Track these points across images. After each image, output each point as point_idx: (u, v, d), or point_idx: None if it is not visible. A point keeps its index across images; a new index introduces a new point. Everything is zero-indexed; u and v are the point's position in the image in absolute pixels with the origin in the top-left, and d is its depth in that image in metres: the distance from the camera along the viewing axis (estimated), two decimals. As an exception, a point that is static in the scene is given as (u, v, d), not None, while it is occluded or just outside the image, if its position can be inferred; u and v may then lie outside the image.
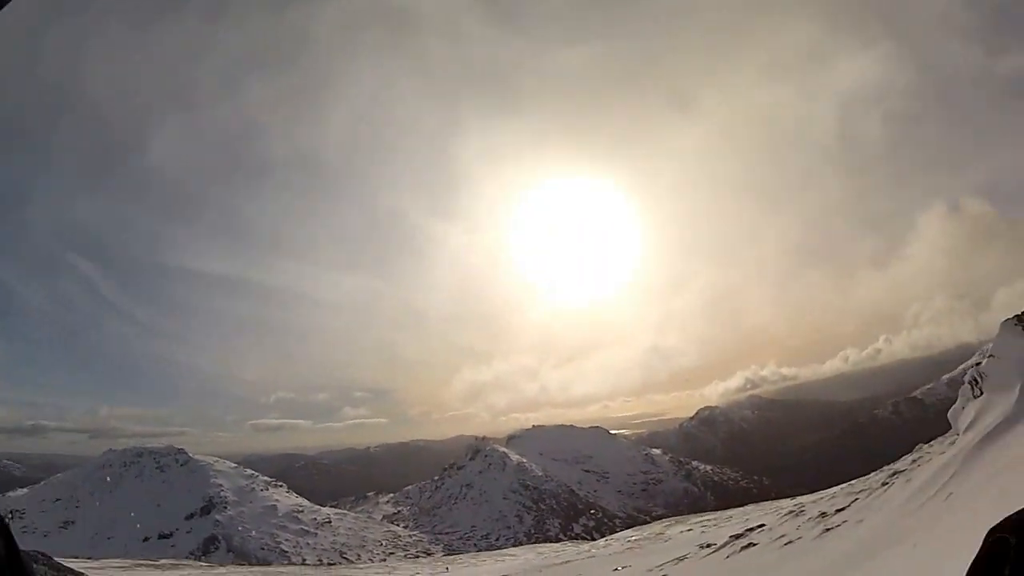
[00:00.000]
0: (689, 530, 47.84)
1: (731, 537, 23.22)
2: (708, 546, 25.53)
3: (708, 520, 52.52)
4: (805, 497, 44.06)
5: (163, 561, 71.86)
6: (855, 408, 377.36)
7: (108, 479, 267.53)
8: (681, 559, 24.22)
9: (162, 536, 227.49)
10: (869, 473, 28.99)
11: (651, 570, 24.12)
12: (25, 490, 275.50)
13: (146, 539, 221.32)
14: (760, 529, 22.51)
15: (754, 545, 19.05)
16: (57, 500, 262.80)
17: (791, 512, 22.85)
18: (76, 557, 73.70)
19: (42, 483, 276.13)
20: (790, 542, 16.78)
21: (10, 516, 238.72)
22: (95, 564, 59.88)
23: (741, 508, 56.79)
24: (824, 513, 18.05)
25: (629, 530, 74.60)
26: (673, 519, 68.85)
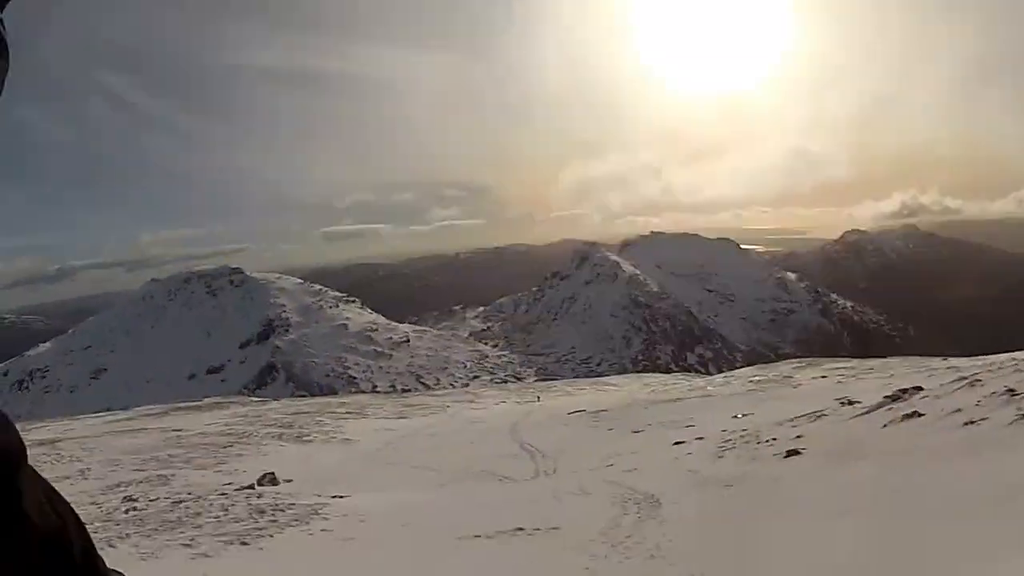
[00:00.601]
0: (823, 377, 46.43)
1: (885, 398, 21.20)
2: (851, 403, 23.80)
3: (845, 368, 51.00)
4: (963, 360, 42.57)
5: (207, 400, 73.81)
6: None
7: (148, 313, 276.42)
8: (819, 415, 22.50)
9: (211, 371, 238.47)
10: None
11: (781, 424, 22.54)
12: (48, 344, 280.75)
13: (192, 376, 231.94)
14: (921, 394, 20.34)
15: (919, 416, 16.96)
16: (87, 348, 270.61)
17: (961, 379, 20.51)
18: (100, 411, 76.21)
19: (69, 332, 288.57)
20: (971, 422, 14.58)
21: (28, 378, 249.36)
22: (113, 416, 61.71)
23: (883, 360, 55.01)
24: (1014, 391, 15.67)
25: (750, 368, 73.92)
26: (803, 360, 67.61)
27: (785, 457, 16.96)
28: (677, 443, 24.47)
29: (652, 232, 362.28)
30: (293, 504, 17.86)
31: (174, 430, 41.53)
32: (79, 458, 32.69)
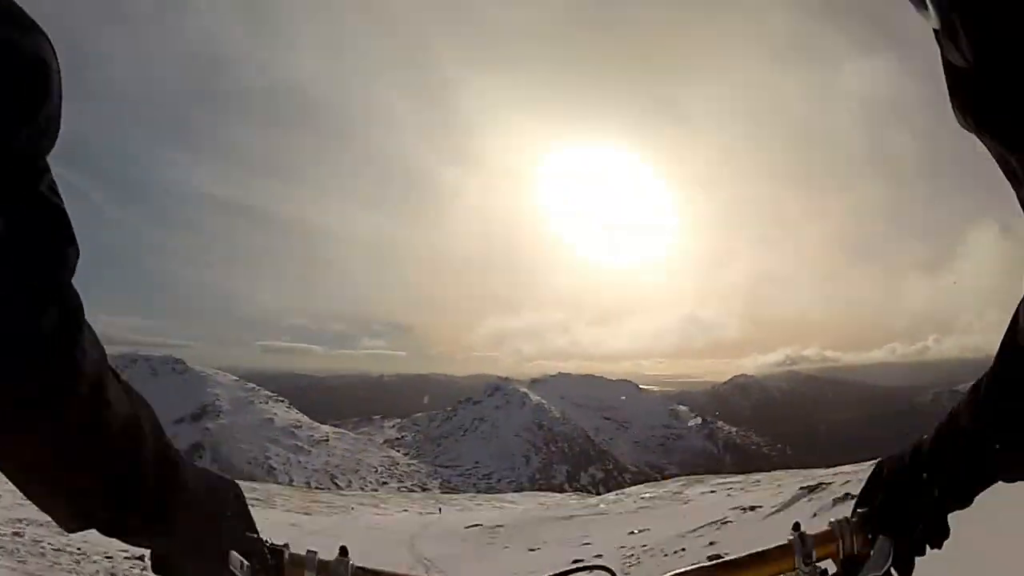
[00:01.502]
0: (712, 491, 43.76)
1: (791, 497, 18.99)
2: (752, 509, 21.41)
3: (732, 483, 48.29)
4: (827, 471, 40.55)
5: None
6: (895, 394, 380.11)
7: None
8: (723, 523, 19.93)
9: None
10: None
11: (683, 535, 19.92)
12: None
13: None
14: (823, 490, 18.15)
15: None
16: None
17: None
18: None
19: None
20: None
21: None
22: None
23: (768, 473, 52.94)
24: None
25: (640, 485, 71.07)
26: (688, 478, 65.12)
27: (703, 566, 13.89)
28: (575, 561, 21.56)
29: (559, 372, 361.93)
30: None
31: None
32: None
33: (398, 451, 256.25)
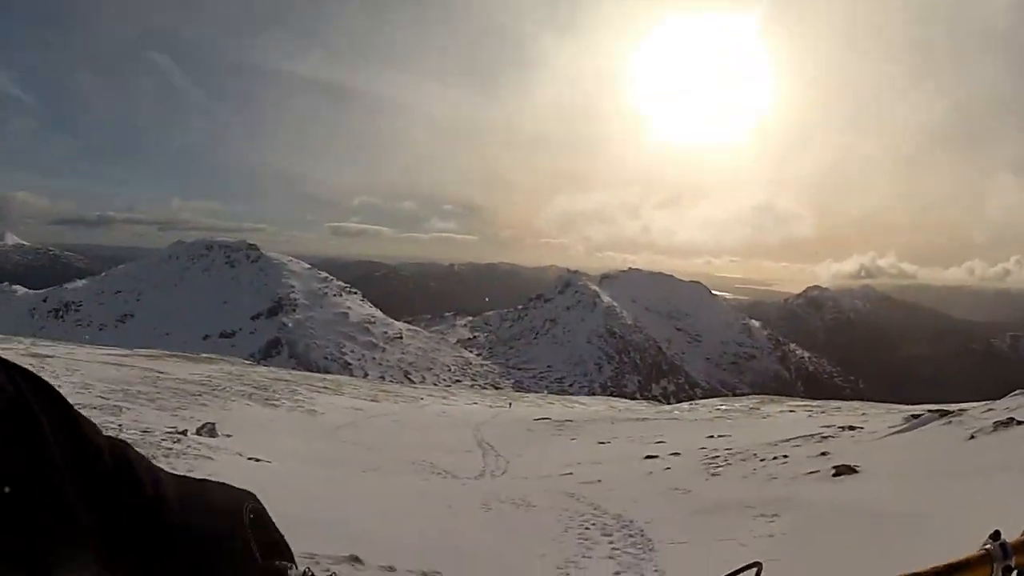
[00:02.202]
0: (790, 411, 42.67)
1: (913, 418, 17.76)
2: (853, 429, 20.41)
3: (812, 406, 46.69)
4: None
5: (203, 354, 71.03)
6: (972, 330, 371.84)
7: (173, 271, 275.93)
8: (824, 437, 18.91)
9: (224, 335, 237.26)
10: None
11: (775, 444, 18.91)
12: (84, 281, 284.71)
13: (206, 336, 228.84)
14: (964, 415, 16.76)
15: (1019, 423, 13.50)
16: (117, 292, 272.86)
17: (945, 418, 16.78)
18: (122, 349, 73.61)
19: (103, 275, 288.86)
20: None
21: (64, 309, 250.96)
22: (112, 350, 59.07)
23: (846, 402, 51.30)
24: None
25: (714, 399, 69.72)
26: (764, 397, 63.66)
27: (835, 476, 12.42)
28: (649, 457, 20.74)
29: (630, 268, 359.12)
30: (201, 455, 14.83)
31: (158, 372, 38.68)
32: (57, 375, 30.10)
33: (471, 351, 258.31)
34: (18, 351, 42.41)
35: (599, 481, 16.20)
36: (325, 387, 50.45)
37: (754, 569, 1.21)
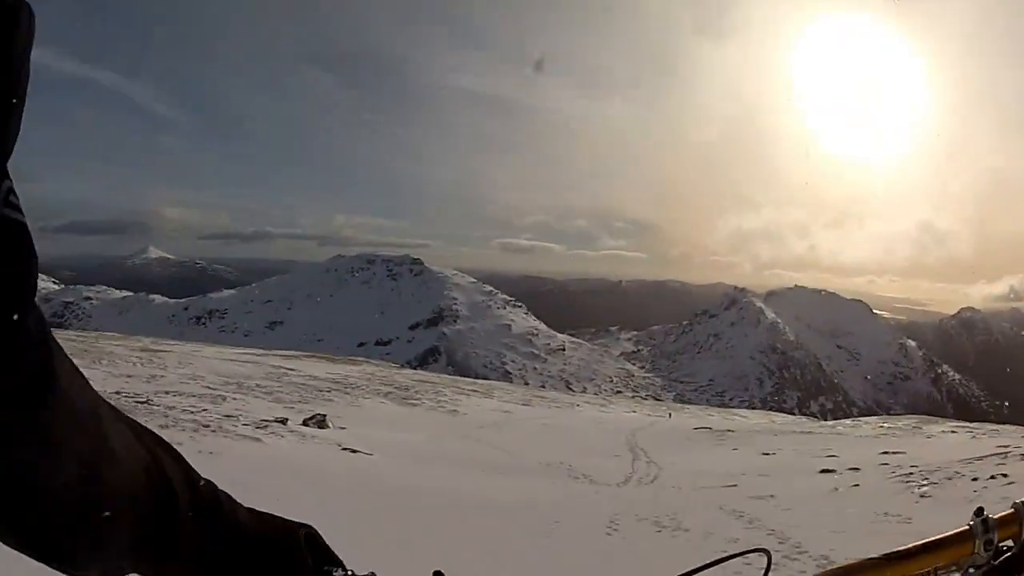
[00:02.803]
0: (952, 432, 38.08)
1: None
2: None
3: (972, 428, 41.66)
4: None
5: (348, 356, 70.01)
6: None
7: (330, 282, 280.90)
8: (1001, 456, 15.07)
9: (379, 343, 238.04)
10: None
11: (968, 462, 15.04)
12: (232, 291, 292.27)
13: (361, 344, 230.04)
14: None
15: None
16: (268, 302, 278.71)
17: None
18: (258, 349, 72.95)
19: (252, 285, 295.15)
20: None
21: (207, 316, 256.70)
22: (247, 350, 58.26)
23: (1001, 426, 46.02)
24: None
25: (874, 417, 65.48)
26: (922, 417, 58.94)
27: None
28: (826, 471, 16.99)
29: (796, 285, 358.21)
30: (289, 441, 12.28)
31: (288, 369, 37.11)
32: (164, 365, 29.10)
33: (633, 364, 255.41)
34: (131, 346, 40.43)
35: (771, 497, 12.63)
36: (474, 390, 48.10)
37: (765, 559, 1.17)
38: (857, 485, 14.07)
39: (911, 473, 14.78)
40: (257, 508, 0.98)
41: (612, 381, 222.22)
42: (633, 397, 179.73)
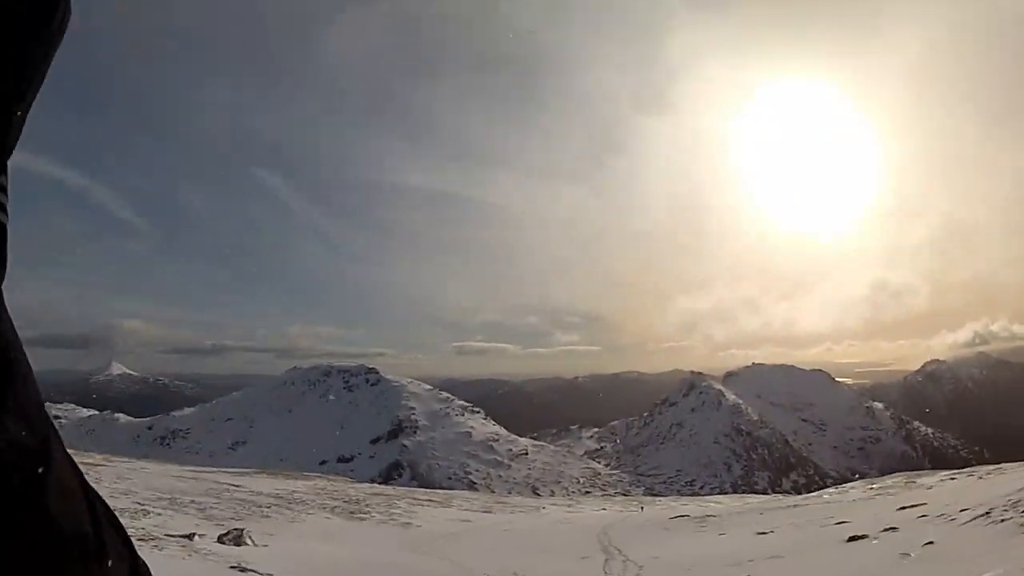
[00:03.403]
0: (951, 479, 35.80)
1: None
2: None
3: (973, 471, 39.40)
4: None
5: (307, 472, 66.98)
6: None
7: (288, 396, 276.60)
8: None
9: (341, 460, 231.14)
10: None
11: (975, 506, 12.87)
12: (193, 408, 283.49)
13: (323, 462, 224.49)
14: None
15: None
16: (228, 420, 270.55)
17: None
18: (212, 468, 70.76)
19: (213, 402, 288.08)
20: None
21: (171, 436, 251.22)
22: (197, 469, 55.28)
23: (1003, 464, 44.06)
24: None
25: (859, 482, 63.50)
26: (906, 474, 57.02)
27: None
28: (856, 538, 14.41)
29: (753, 363, 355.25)
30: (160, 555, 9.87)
31: (232, 485, 34.38)
32: (98, 479, 26.39)
33: (598, 461, 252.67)
34: (80, 459, 37.84)
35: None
36: (431, 500, 45.24)
37: None
38: (931, 543, 11.63)
39: (987, 513, 12.48)
40: None
41: (579, 482, 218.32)
42: (602, 495, 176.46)
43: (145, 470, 37.43)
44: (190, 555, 11.31)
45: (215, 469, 53.78)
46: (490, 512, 41.94)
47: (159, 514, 18.99)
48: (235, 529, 15.94)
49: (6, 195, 0.83)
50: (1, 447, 0.74)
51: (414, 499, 43.76)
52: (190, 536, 13.58)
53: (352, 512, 30.87)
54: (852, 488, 46.18)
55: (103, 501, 0.98)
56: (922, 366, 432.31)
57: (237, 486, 34.29)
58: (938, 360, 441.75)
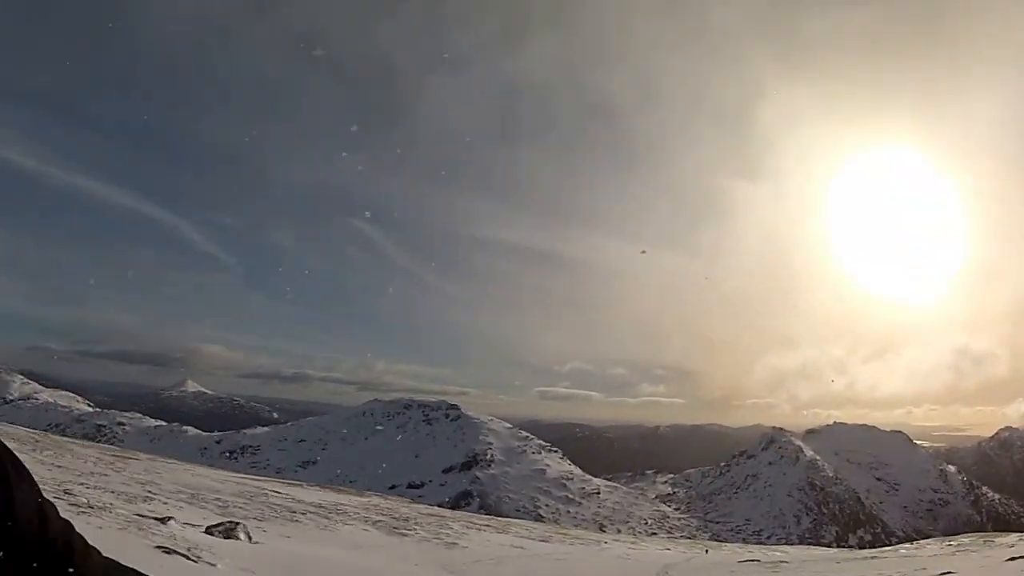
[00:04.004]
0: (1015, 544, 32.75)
1: None
2: None
3: None
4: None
5: (368, 491, 65.17)
6: None
7: (366, 425, 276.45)
8: None
9: (412, 486, 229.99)
10: None
11: None
12: (265, 428, 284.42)
13: (392, 487, 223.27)
14: None
15: None
16: (301, 441, 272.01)
17: None
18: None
19: (288, 423, 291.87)
20: None
21: (240, 452, 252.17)
22: (263, 477, 53.75)
23: None
24: None
25: (931, 540, 59.76)
26: (983, 535, 53.38)
27: None
28: None
29: (835, 422, 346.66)
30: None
31: (274, 492, 32.72)
32: (122, 468, 26.26)
33: (669, 505, 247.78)
34: (103, 451, 36.10)
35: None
36: (487, 525, 42.95)
37: None
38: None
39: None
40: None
41: (647, 523, 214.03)
42: (668, 537, 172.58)
43: (188, 471, 35.75)
44: (124, 529, 9.39)
45: (265, 478, 52.08)
46: (547, 541, 39.57)
47: (164, 502, 17.22)
48: (230, 522, 14.05)
49: None
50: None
51: (470, 523, 41.65)
52: (164, 520, 11.60)
53: (395, 527, 28.81)
54: (928, 544, 43.00)
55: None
56: (996, 432, 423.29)
57: (278, 492, 32.55)
58: (1011, 427, 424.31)
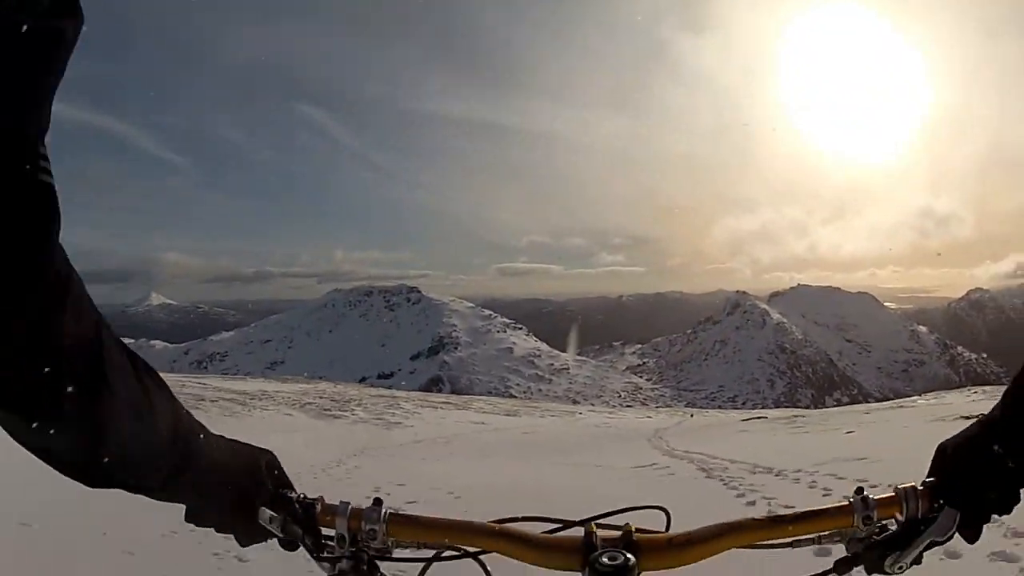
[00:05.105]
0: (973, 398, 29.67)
1: None
2: None
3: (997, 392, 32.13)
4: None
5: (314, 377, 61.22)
6: None
7: (328, 318, 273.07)
8: None
9: (382, 376, 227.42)
10: None
11: None
12: (231, 333, 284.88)
13: (362, 379, 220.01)
14: None
15: None
16: (267, 342, 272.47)
17: None
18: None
19: (251, 326, 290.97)
20: None
21: (208, 360, 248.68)
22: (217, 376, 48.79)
23: None
24: None
25: (918, 397, 57.08)
26: (976, 388, 50.47)
27: None
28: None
29: (799, 284, 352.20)
30: None
31: (214, 387, 28.34)
32: None
33: (640, 376, 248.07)
34: None
35: None
36: (445, 403, 38.89)
37: (663, 513, 1.22)
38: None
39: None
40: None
41: (620, 396, 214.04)
42: (643, 408, 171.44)
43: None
44: None
45: (190, 375, 47.62)
46: (514, 416, 35.39)
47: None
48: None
49: (48, 162, 0.71)
50: (68, 343, 0.77)
51: (425, 401, 37.66)
52: None
53: (327, 410, 24.33)
54: (921, 400, 39.77)
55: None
56: (966, 293, 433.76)
57: (220, 388, 28.03)
58: (981, 289, 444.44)
